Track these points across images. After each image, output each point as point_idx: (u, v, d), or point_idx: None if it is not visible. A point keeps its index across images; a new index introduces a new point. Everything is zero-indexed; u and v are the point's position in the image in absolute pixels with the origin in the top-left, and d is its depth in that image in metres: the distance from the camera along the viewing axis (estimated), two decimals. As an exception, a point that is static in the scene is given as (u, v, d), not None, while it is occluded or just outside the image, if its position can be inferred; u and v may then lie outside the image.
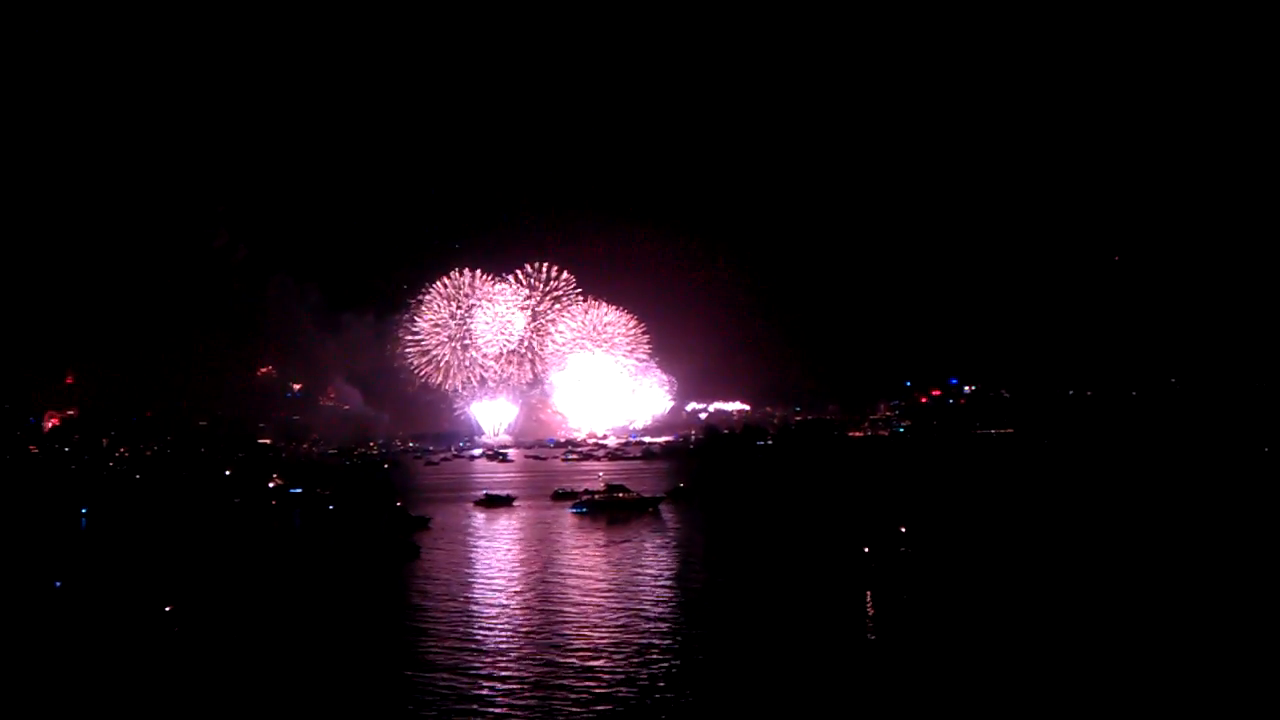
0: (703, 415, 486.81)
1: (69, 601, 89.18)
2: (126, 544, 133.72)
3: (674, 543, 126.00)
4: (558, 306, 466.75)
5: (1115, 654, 66.26)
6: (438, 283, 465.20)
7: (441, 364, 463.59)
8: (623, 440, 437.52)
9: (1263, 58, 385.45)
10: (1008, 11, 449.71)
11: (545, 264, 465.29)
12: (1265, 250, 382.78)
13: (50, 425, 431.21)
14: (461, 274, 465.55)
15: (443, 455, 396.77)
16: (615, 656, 68.62)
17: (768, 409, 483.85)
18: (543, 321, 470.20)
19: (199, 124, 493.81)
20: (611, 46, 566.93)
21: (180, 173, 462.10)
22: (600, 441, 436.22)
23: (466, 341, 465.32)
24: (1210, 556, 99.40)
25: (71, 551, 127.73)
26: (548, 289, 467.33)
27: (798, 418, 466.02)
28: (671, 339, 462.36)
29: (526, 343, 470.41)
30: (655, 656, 68.22)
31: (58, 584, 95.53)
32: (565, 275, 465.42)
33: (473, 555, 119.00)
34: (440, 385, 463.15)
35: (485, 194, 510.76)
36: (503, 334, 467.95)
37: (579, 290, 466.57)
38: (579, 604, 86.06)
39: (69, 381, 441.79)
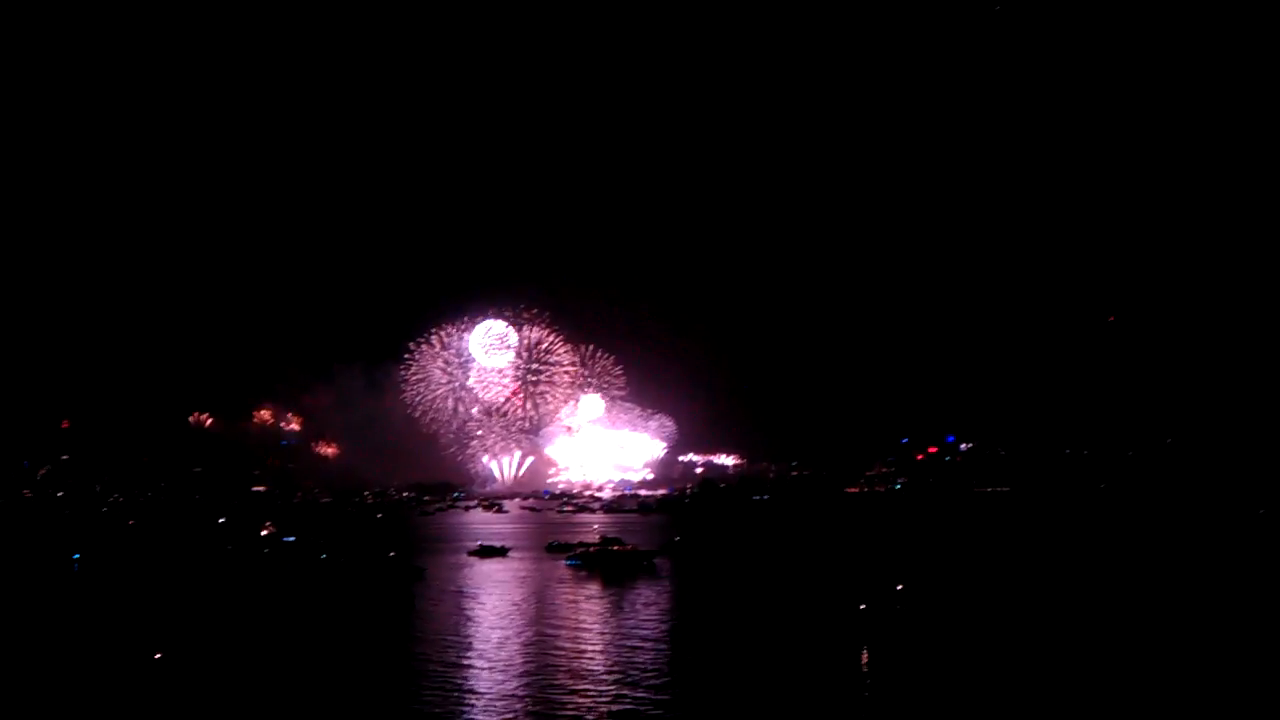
0: (698, 469, 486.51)
1: (69, 650, 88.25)
2: (118, 590, 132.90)
3: (669, 597, 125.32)
4: (548, 368, 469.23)
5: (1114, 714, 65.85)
6: (433, 335, 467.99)
7: (443, 412, 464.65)
8: (618, 493, 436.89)
9: (1262, 118, 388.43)
10: (1008, 61, 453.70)
11: (537, 329, 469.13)
12: (1261, 310, 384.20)
13: (44, 470, 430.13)
14: (456, 326, 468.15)
15: (437, 505, 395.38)
16: (610, 711, 68.07)
17: (763, 463, 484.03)
18: (538, 375, 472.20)
19: (191, 172, 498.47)
20: (600, 101, 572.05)
21: (173, 218, 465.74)
22: (595, 494, 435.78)
23: (463, 393, 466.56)
24: (1206, 614, 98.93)
25: (63, 598, 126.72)
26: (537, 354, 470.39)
27: (794, 473, 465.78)
28: (667, 393, 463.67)
29: (520, 395, 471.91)
30: (654, 713, 67.64)
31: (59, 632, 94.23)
32: (553, 338, 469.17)
33: (467, 606, 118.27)
34: (443, 433, 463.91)
35: (478, 244, 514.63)
36: (495, 385, 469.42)
37: (568, 344, 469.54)
38: (572, 658, 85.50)
39: (64, 426, 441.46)
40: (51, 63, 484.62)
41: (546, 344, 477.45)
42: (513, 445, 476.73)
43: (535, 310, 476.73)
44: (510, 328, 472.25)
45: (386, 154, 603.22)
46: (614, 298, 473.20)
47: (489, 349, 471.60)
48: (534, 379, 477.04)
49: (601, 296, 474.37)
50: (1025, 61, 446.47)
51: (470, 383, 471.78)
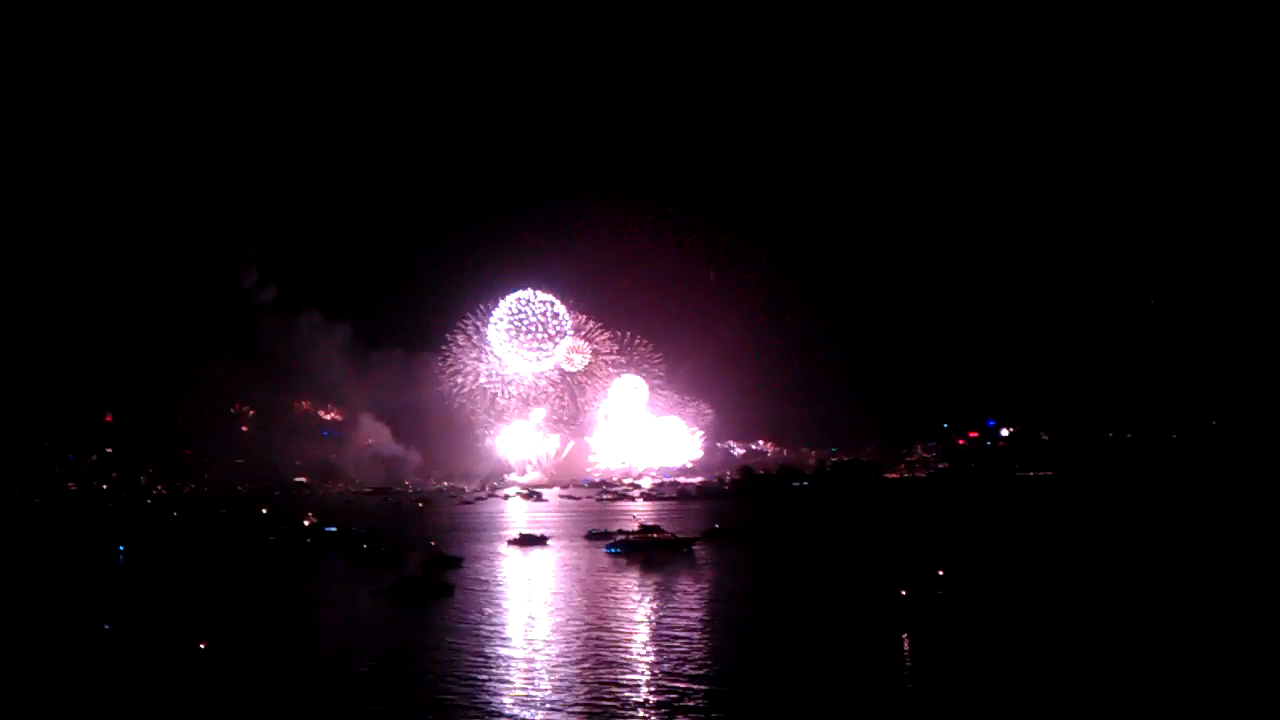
0: (738, 454, 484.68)
1: (117, 644, 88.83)
2: (163, 581, 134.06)
3: (709, 584, 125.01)
4: (591, 352, 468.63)
5: (1155, 698, 64.90)
6: (470, 324, 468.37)
7: (481, 402, 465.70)
8: (658, 480, 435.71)
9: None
10: (1058, 48, 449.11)
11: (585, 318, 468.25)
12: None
13: (89, 462, 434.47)
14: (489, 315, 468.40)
15: (477, 494, 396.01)
16: (649, 699, 67.81)
17: (803, 449, 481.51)
18: (579, 365, 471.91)
19: (230, 165, 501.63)
20: (638, 77, 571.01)
21: (212, 213, 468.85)
22: (635, 482, 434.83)
23: (501, 374, 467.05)
24: (1256, 599, 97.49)
25: (110, 589, 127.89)
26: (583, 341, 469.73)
27: (834, 459, 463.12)
28: (707, 380, 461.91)
29: (562, 383, 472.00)
30: (690, 701, 67.33)
31: (106, 626, 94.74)
32: (592, 325, 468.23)
33: (506, 595, 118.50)
34: (481, 422, 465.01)
35: (518, 233, 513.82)
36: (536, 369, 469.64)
37: (608, 331, 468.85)
38: (612, 645, 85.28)
39: (108, 420, 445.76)
40: (88, 66, 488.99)
41: (586, 330, 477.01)
42: (552, 434, 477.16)
43: (574, 299, 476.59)
44: (560, 304, 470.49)
45: (422, 140, 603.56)
46: (654, 284, 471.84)
47: (529, 328, 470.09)
48: (577, 367, 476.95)
49: (645, 285, 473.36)
50: (1067, 44, 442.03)
51: (508, 371, 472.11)
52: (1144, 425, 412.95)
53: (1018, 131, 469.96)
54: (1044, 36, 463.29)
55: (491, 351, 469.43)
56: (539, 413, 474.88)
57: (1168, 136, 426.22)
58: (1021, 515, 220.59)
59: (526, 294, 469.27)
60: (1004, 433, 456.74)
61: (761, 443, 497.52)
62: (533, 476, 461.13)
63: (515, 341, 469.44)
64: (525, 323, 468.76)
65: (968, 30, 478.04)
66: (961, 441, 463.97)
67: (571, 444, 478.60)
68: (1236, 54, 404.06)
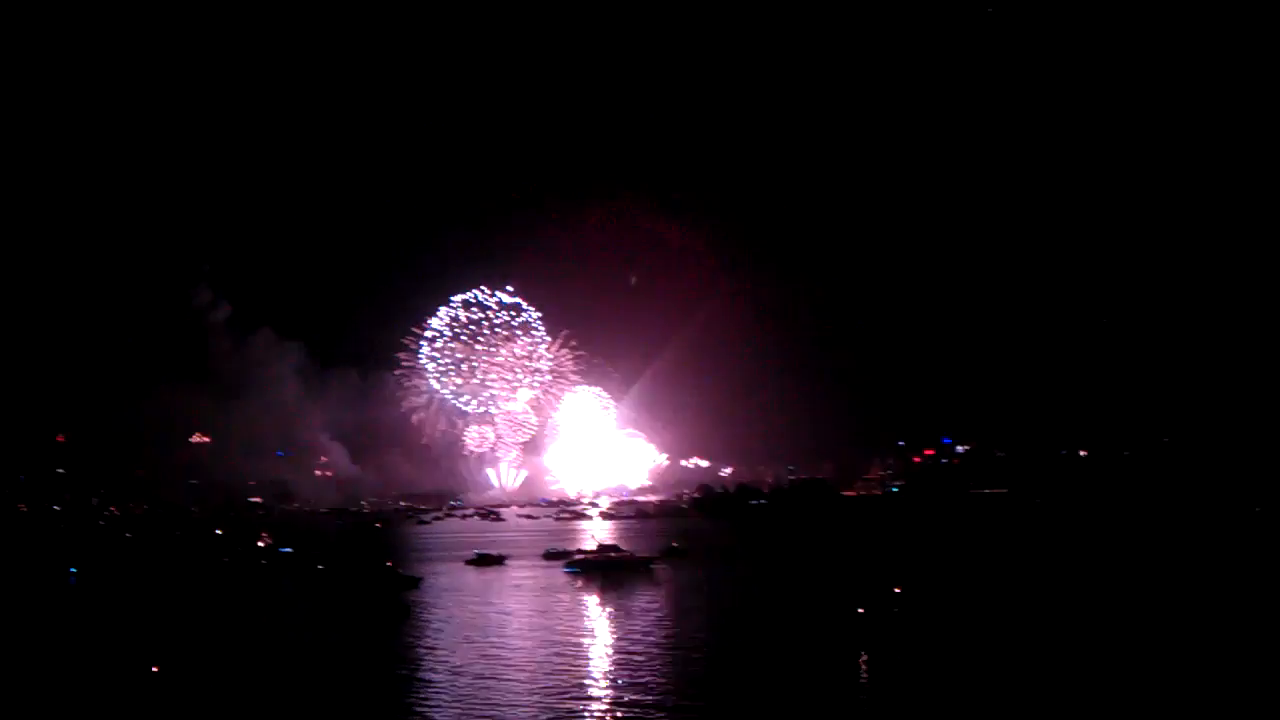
0: (696, 473, 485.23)
1: (66, 663, 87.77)
2: (115, 603, 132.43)
3: (667, 603, 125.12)
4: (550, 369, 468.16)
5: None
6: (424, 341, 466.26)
7: (436, 420, 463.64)
8: (616, 499, 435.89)
9: (1260, 117, 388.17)
10: (1000, 63, 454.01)
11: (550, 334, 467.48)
12: (1257, 308, 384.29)
13: (40, 483, 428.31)
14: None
15: (434, 514, 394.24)
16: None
17: (761, 468, 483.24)
18: (537, 382, 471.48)
19: (182, 182, 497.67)
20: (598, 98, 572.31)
21: (164, 230, 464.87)
22: (593, 501, 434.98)
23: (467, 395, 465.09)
24: (1205, 615, 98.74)
25: (60, 610, 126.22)
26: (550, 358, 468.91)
27: (792, 477, 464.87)
28: (665, 398, 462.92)
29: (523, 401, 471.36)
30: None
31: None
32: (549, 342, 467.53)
33: (464, 615, 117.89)
34: (436, 441, 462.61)
35: (472, 249, 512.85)
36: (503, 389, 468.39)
37: (565, 349, 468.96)
38: (569, 667, 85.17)
39: (59, 440, 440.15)
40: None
41: (542, 349, 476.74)
42: (509, 452, 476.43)
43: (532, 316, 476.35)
44: (531, 308, 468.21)
45: (379, 149, 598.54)
46: (611, 299, 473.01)
47: (487, 338, 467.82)
48: (535, 385, 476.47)
49: (602, 302, 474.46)
50: (1017, 63, 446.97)
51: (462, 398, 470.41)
52: (1097, 443, 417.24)
53: (969, 155, 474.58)
54: (1000, 57, 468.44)
55: (435, 375, 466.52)
56: (493, 430, 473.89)
57: (1121, 156, 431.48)
58: (976, 532, 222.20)
59: (479, 294, 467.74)
60: (959, 450, 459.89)
61: (719, 461, 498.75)
62: (490, 495, 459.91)
63: (470, 347, 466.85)
64: (477, 334, 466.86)
65: (916, 57, 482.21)
66: (917, 459, 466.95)
67: (526, 472, 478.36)
68: (1191, 79, 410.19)
